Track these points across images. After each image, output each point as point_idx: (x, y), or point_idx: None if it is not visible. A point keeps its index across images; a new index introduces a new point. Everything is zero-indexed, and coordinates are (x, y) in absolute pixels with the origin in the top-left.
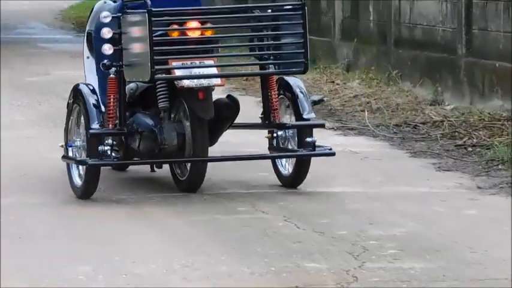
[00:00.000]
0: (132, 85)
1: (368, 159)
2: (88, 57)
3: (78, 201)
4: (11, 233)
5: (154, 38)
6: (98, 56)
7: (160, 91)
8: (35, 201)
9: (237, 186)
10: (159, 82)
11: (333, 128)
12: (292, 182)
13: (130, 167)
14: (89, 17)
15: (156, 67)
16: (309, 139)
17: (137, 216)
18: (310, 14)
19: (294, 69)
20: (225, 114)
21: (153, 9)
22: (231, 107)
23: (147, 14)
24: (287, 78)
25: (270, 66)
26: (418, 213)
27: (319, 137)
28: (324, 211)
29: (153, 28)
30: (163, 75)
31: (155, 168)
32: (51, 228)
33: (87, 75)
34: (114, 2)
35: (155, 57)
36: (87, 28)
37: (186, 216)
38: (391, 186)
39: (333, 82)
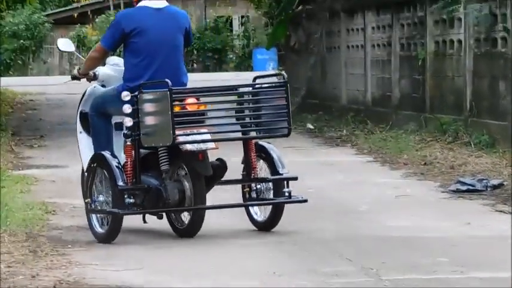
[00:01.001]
0: (142, 152)
1: None
2: (81, 132)
3: None
4: None
5: (176, 112)
6: (94, 129)
7: (162, 156)
8: None
9: (416, 271)
10: (161, 148)
11: None
12: (268, 226)
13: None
14: (81, 99)
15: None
16: (285, 189)
17: None
18: (487, 98)
19: (280, 134)
20: (217, 174)
21: (173, 88)
22: (221, 167)
23: (168, 92)
24: (261, 143)
25: (259, 132)
26: None
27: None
28: None
29: (174, 104)
30: (184, 139)
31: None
32: None
33: (81, 146)
34: (102, 86)
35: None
36: (81, 108)
37: None
38: None
39: None
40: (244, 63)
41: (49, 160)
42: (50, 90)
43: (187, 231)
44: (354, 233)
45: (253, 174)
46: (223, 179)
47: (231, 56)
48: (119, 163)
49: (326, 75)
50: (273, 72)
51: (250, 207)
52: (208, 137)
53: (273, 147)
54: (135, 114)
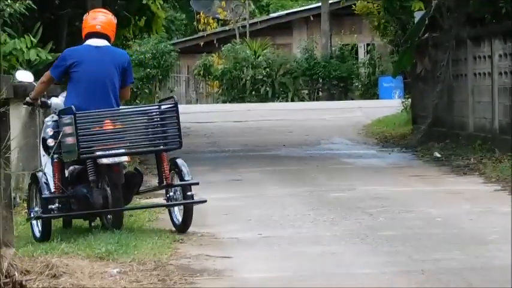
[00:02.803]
0: (71, 168)
1: None
2: (43, 155)
3: None
4: None
5: (81, 131)
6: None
7: (89, 169)
8: None
9: None
10: (89, 163)
11: None
12: (182, 227)
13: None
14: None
15: (82, 150)
16: (188, 193)
17: None
18: None
19: (174, 146)
20: (134, 181)
21: (77, 112)
22: (137, 176)
23: (73, 117)
24: (175, 159)
25: (159, 145)
26: None
27: None
28: None
29: (78, 125)
30: (90, 155)
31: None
32: None
33: (47, 167)
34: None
35: (83, 144)
36: (42, 135)
37: None
38: None
39: None
40: (370, 91)
41: None
42: None
43: (113, 227)
44: (483, 263)
45: (165, 182)
46: (143, 187)
47: (357, 84)
48: (47, 179)
49: (453, 103)
50: (168, 97)
51: (172, 214)
52: (122, 151)
53: (183, 161)
54: (57, 135)
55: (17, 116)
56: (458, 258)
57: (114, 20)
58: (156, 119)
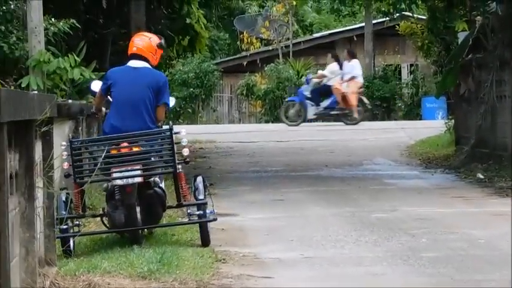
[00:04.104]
0: (104, 185)
1: None
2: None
3: None
4: None
5: (76, 158)
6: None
7: (116, 189)
8: None
9: None
10: (115, 184)
11: None
12: (202, 242)
13: None
14: None
15: (77, 176)
16: (198, 212)
17: None
18: None
19: (169, 170)
20: (152, 201)
21: (72, 140)
22: (153, 196)
23: (69, 143)
24: (196, 176)
25: (154, 169)
26: None
27: None
28: None
29: (73, 152)
30: (100, 177)
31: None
32: None
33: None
34: None
35: (104, 167)
36: None
37: None
38: None
39: None
40: (413, 111)
41: (219, 208)
42: (220, 139)
43: (132, 243)
44: None
45: (183, 200)
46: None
47: (400, 104)
48: (67, 199)
49: (496, 124)
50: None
51: (199, 230)
52: (135, 173)
53: (201, 179)
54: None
55: (60, 134)
56: (500, 279)
57: (155, 42)
58: (155, 144)
